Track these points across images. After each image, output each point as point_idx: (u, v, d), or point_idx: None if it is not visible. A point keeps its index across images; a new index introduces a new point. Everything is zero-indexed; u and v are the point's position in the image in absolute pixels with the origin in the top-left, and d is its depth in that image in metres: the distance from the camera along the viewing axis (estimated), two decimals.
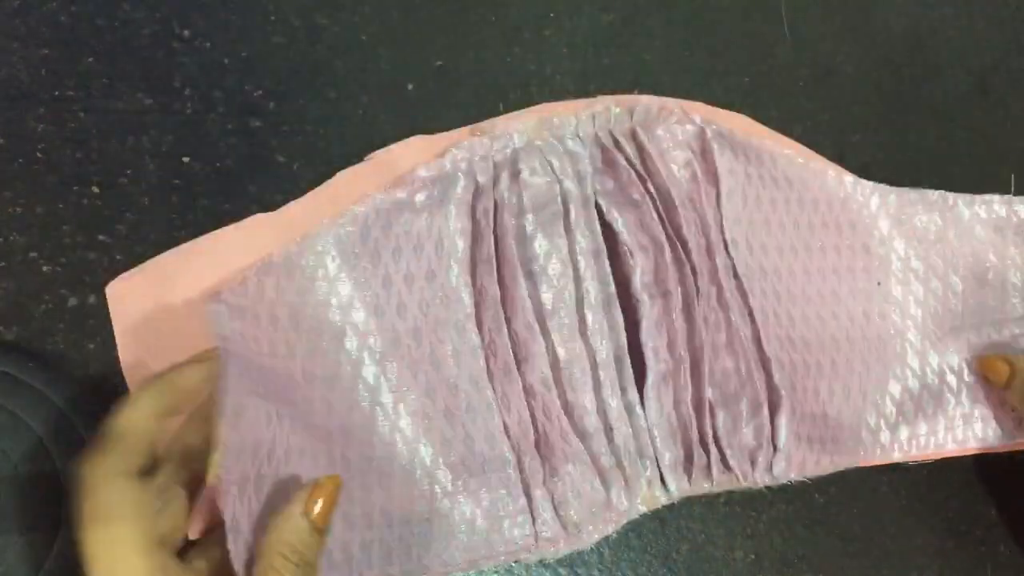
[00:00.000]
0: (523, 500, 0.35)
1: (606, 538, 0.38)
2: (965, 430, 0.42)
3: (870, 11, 0.45)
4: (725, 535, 0.40)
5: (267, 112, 0.37)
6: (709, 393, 0.37)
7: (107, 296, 0.33)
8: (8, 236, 0.34)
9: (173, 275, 0.34)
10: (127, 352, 0.33)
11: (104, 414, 0.32)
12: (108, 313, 0.34)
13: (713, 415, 0.37)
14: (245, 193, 0.37)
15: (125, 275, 0.34)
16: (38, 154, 0.35)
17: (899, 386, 0.41)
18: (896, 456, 0.41)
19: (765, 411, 0.37)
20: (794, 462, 0.37)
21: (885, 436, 0.40)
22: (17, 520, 0.30)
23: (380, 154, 0.36)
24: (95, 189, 0.35)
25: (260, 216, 0.35)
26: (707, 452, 0.37)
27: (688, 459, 0.37)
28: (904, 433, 0.41)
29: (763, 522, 0.40)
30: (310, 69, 0.38)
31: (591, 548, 0.38)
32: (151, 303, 0.33)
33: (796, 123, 0.43)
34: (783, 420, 0.37)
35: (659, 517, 0.39)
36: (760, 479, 0.37)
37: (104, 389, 0.34)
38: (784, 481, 0.37)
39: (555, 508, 0.35)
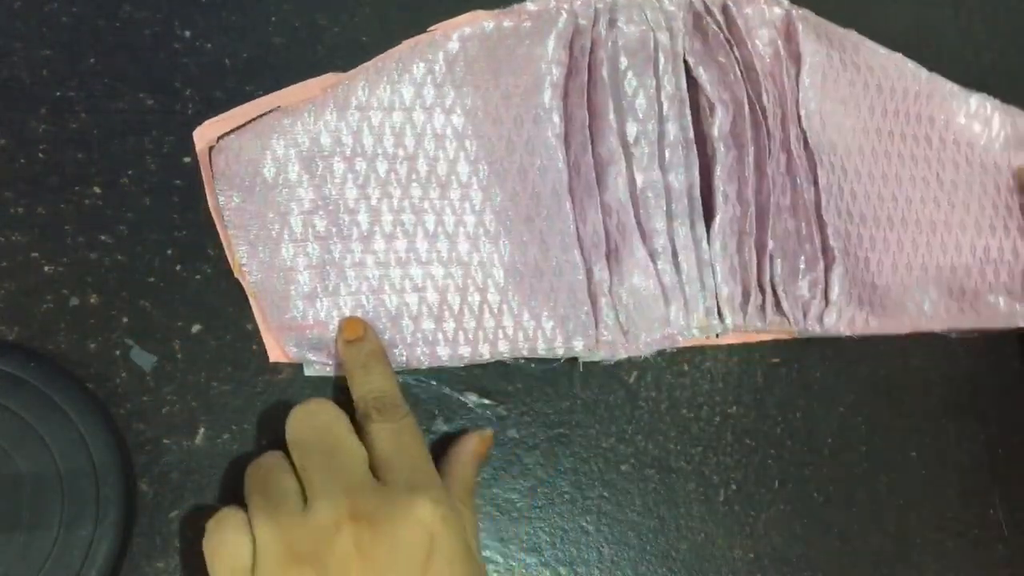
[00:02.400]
0: (588, 305, 0.38)
1: (605, 538, 0.38)
2: (1009, 306, 0.45)
3: (870, 11, 0.45)
4: (725, 535, 0.40)
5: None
6: (771, 245, 0.40)
7: (195, 138, 0.36)
8: (10, 236, 0.34)
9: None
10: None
11: (105, 414, 0.33)
12: (110, 312, 0.35)
13: (772, 263, 0.40)
14: None
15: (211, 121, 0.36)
16: (40, 154, 0.35)
17: (945, 269, 0.44)
18: (937, 326, 0.43)
19: (820, 267, 0.40)
20: (844, 317, 0.41)
21: (928, 308, 0.43)
22: (18, 520, 0.30)
23: (442, 26, 0.38)
24: (97, 189, 0.35)
25: (335, 75, 0.37)
26: (763, 294, 0.40)
27: (745, 298, 0.40)
28: (946, 308, 0.44)
29: (763, 522, 0.40)
30: (310, 70, 0.38)
31: (591, 547, 0.38)
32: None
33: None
34: (836, 277, 0.40)
35: (659, 516, 0.39)
36: (811, 327, 0.40)
37: (105, 389, 0.34)
38: (833, 334, 0.41)
39: (617, 315, 0.38)
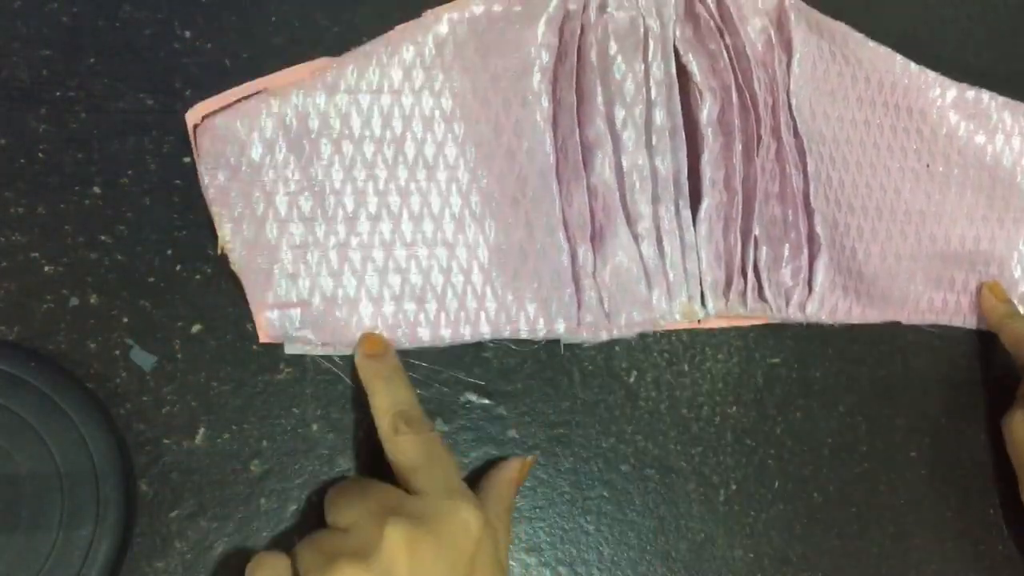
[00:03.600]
0: (571, 287, 0.38)
1: (605, 538, 0.38)
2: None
3: (870, 11, 0.45)
4: (725, 534, 0.40)
5: None
6: (756, 231, 0.40)
7: (187, 120, 0.35)
8: (10, 236, 0.34)
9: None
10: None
11: (105, 414, 0.33)
12: (110, 312, 0.35)
13: (757, 248, 0.40)
14: None
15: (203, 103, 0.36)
16: (40, 154, 0.35)
17: (935, 259, 0.44)
18: (920, 320, 0.44)
19: (805, 255, 0.41)
20: (826, 305, 0.41)
21: (913, 299, 0.44)
22: (18, 520, 0.30)
23: (432, 12, 0.38)
24: (96, 189, 0.35)
25: (326, 59, 0.37)
26: (745, 280, 0.40)
27: (728, 284, 0.40)
28: (930, 300, 0.44)
29: (763, 522, 0.40)
30: None
31: (591, 547, 0.38)
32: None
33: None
34: (820, 265, 0.41)
35: (659, 516, 0.39)
36: (793, 315, 0.41)
37: (105, 389, 0.34)
38: (814, 320, 0.41)
39: (600, 297, 0.38)
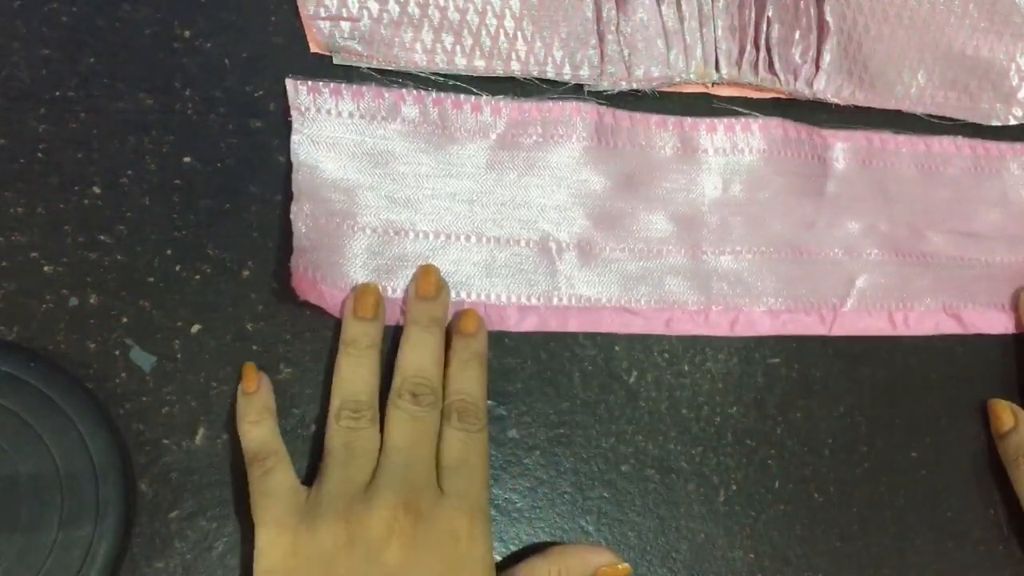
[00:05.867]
0: (596, 39, 0.41)
1: (605, 538, 0.38)
2: (991, 103, 0.47)
3: None
4: (725, 535, 0.40)
5: (267, 112, 0.37)
6: (770, 11, 0.42)
7: None
8: (9, 236, 0.34)
9: None
10: None
11: (105, 414, 0.33)
12: (110, 312, 0.35)
13: (769, 27, 0.42)
14: (245, 193, 0.37)
15: None
16: (39, 154, 0.35)
17: (937, 60, 0.46)
18: (922, 110, 0.46)
19: (814, 38, 0.43)
20: (832, 84, 0.44)
21: (915, 93, 0.46)
22: (18, 520, 0.30)
23: None
24: (96, 189, 0.35)
25: None
26: (757, 51, 0.43)
27: (741, 53, 0.42)
28: (932, 95, 0.46)
29: (763, 522, 0.40)
30: (310, 70, 0.38)
31: None
32: None
33: (790, 119, 0.43)
34: (828, 48, 0.43)
35: (659, 516, 0.39)
36: (800, 89, 0.43)
37: (105, 389, 0.34)
38: (820, 98, 0.43)
39: (622, 51, 0.41)
